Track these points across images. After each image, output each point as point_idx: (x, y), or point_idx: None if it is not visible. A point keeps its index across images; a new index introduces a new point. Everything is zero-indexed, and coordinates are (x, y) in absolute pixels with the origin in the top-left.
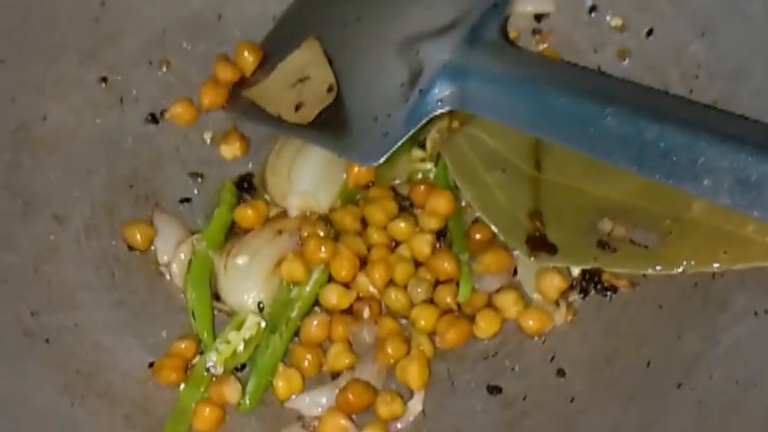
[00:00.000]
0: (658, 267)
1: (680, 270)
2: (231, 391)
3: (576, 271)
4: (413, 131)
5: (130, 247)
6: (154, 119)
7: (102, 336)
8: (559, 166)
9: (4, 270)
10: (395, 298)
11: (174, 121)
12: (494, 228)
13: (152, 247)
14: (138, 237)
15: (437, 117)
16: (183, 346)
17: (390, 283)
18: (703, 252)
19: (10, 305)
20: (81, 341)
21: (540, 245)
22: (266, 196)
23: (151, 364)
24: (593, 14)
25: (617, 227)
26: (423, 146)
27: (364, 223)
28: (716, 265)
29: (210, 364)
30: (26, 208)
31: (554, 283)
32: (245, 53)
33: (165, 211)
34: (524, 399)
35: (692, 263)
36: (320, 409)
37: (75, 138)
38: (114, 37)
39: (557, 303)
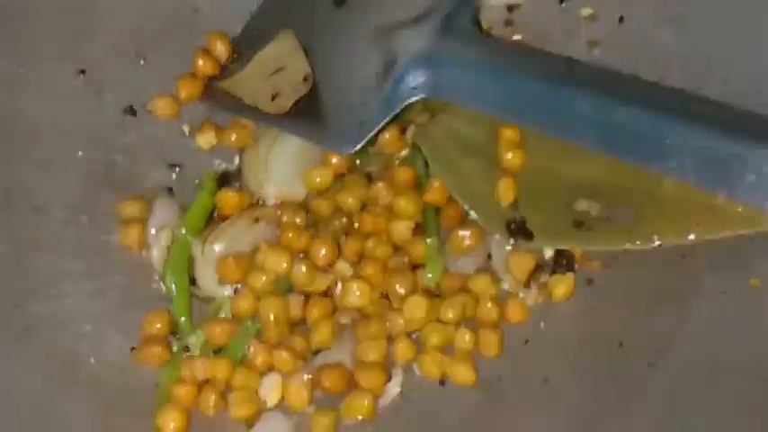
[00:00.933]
0: (637, 242)
1: (656, 244)
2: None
3: (548, 253)
4: (387, 119)
5: (123, 220)
6: (132, 111)
7: (82, 325)
8: (533, 149)
9: None
10: (372, 273)
11: (156, 115)
12: (473, 214)
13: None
14: (137, 210)
15: (413, 105)
16: (155, 323)
17: (368, 262)
18: (677, 225)
19: None
20: (62, 330)
21: (518, 230)
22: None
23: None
24: (563, 4)
25: (592, 206)
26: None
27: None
28: (691, 236)
29: (188, 347)
30: (6, 200)
31: (523, 265)
32: (218, 43)
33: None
34: (499, 380)
35: (668, 236)
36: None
37: (54, 130)
38: (91, 30)
39: (528, 285)
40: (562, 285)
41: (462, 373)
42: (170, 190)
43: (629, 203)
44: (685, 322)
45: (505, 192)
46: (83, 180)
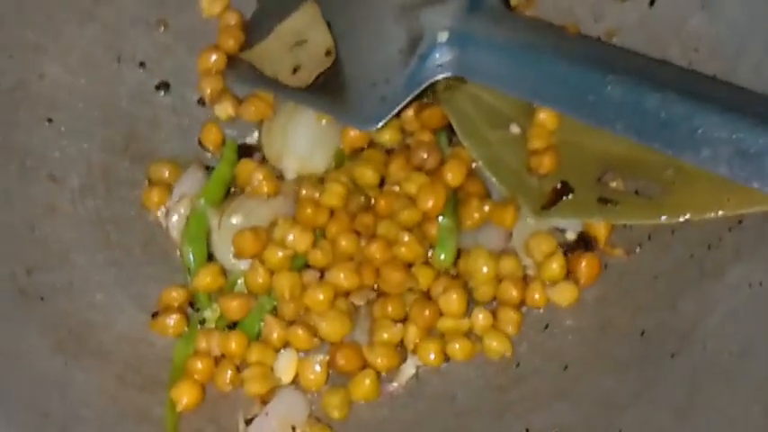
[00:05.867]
0: (664, 217)
1: (685, 218)
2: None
3: (571, 236)
4: (411, 97)
5: (151, 181)
6: (161, 85)
7: (96, 295)
8: (562, 122)
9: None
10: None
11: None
12: (502, 186)
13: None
14: (167, 174)
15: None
16: (174, 294)
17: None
18: (707, 199)
19: (6, 263)
20: (75, 300)
21: (559, 194)
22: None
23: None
24: None
25: (620, 180)
26: None
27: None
28: (720, 212)
29: (204, 320)
30: (22, 167)
31: (543, 246)
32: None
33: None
34: (518, 366)
35: (696, 211)
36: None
37: (73, 97)
38: None
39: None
40: (587, 270)
41: (496, 346)
42: (207, 168)
43: (657, 178)
44: (709, 313)
45: (547, 163)
46: (100, 148)
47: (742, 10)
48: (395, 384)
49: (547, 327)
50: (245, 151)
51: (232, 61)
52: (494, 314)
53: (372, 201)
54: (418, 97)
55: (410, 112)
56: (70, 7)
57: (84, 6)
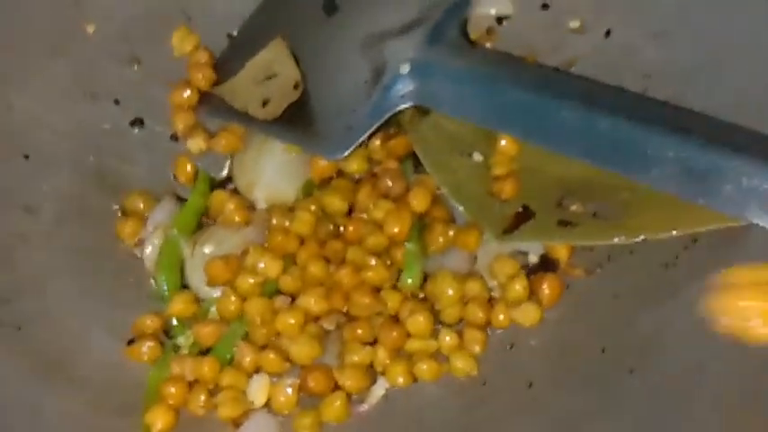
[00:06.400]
0: (621, 238)
1: (642, 238)
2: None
3: (534, 258)
4: (376, 126)
5: (125, 212)
6: (135, 121)
7: (71, 323)
8: (522, 148)
9: None
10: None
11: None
12: (465, 211)
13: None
14: (141, 205)
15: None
16: (148, 322)
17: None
18: (662, 219)
19: None
20: (51, 329)
21: (521, 218)
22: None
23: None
24: (550, 13)
25: (578, 203)
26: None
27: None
28: (674, 231)
29: (178, 346)
30: None
31: (505, 270)
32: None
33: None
34: (484, 384)
35: (652, 231)
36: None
37: (43, 129)
38: (83, 30)
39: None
40: (549, 290)
41: (461, 366)
42: (180, 199)
43: (614, 200)
44: (665, 330)
45: (509, 188)
46: (72, 180)
47: (692, 39)
48: (365, 405)
49: (511, 346)
50: (218, 183)
51: (204, 96)
52: (460, 335)
53: (341, 228)
54: (383, 127)
55: (377, 142)
56: (40, 40)
57: (53, 39)
